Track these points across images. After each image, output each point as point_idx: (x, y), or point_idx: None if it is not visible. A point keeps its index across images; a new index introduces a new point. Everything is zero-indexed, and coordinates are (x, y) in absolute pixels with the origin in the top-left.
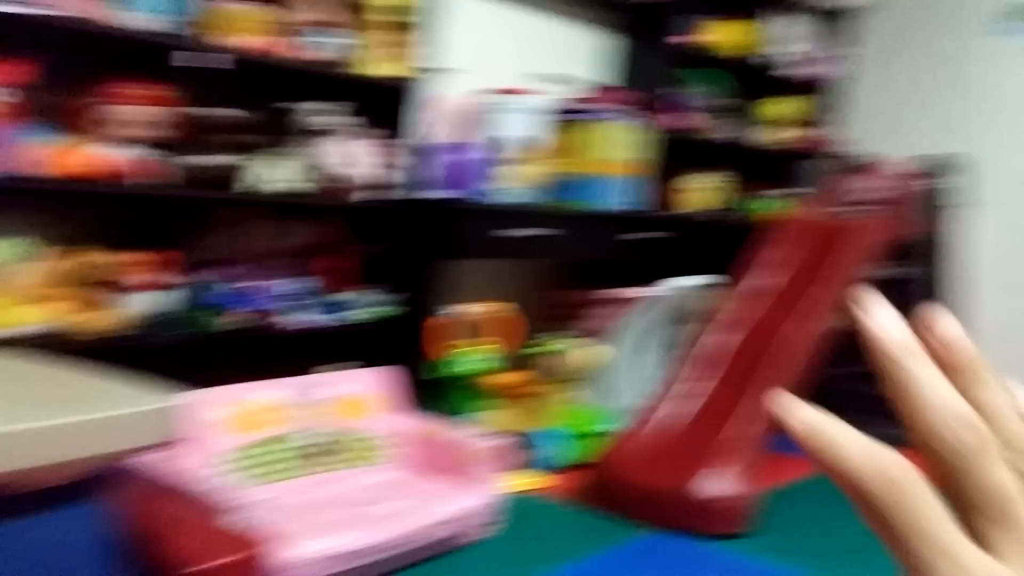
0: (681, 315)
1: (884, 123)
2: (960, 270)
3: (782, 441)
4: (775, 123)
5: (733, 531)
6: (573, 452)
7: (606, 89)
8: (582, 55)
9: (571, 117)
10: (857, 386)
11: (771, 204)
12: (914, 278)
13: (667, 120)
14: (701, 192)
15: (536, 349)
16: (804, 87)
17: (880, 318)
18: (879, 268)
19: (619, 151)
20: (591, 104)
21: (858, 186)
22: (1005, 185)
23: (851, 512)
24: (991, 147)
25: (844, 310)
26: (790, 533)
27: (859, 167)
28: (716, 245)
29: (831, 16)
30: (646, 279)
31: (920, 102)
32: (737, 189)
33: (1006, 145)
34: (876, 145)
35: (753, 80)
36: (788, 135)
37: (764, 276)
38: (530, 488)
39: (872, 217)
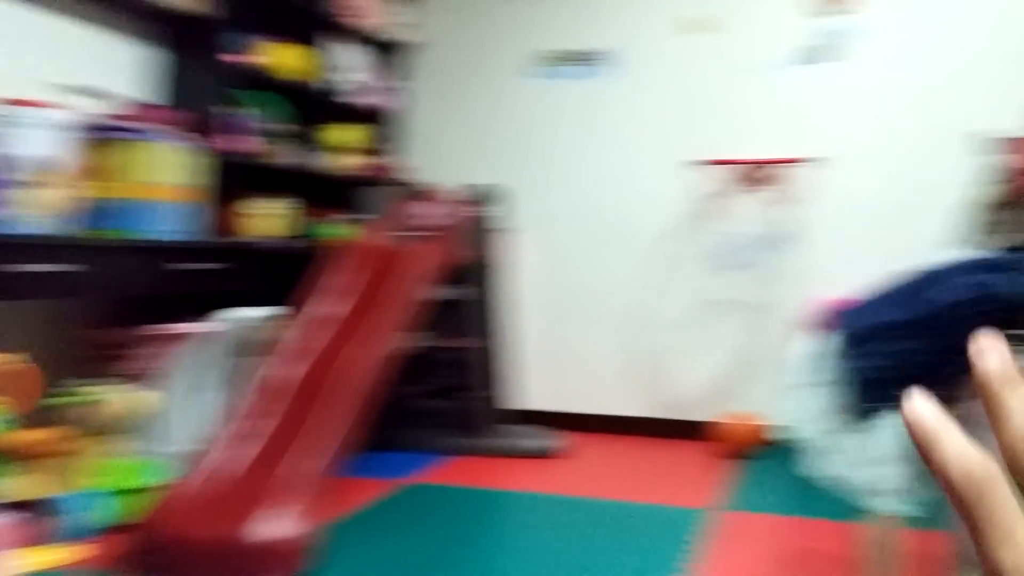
0: (241, 349)
1: (438, 153)
2: (507, 289)
3: (352, 465)
4: (338, 149)
5: (293, 573)
6: (113, 513)
7: (149, 107)
8: (120, 68)
9: (106, 136)
10: (426, 402)
11: (337, 230)
12: (468, 299)
13: (222, 143)
14: (265, 218)
15: (65, 400)
16: (365, 115)
17: (983, 355)
18: (435, 290)
19: (166, 174)
20: (131, 122)
21: (416, 212)
22: (539, 212)
23: (425, 529)
24: (527, 178)
25: (406, 332)
26: (360, 562)
27: (417, 194)
28: (282, 272)
29: (387, 48)
30: (201, 312)
31: (468, 135)
32: (302, 215)
33: (538, 176)
34: (432, 173)
35: (314, 105)
36: (351, 161)
37: (327, 303)
38: (57, 563)
39: (428, 241)
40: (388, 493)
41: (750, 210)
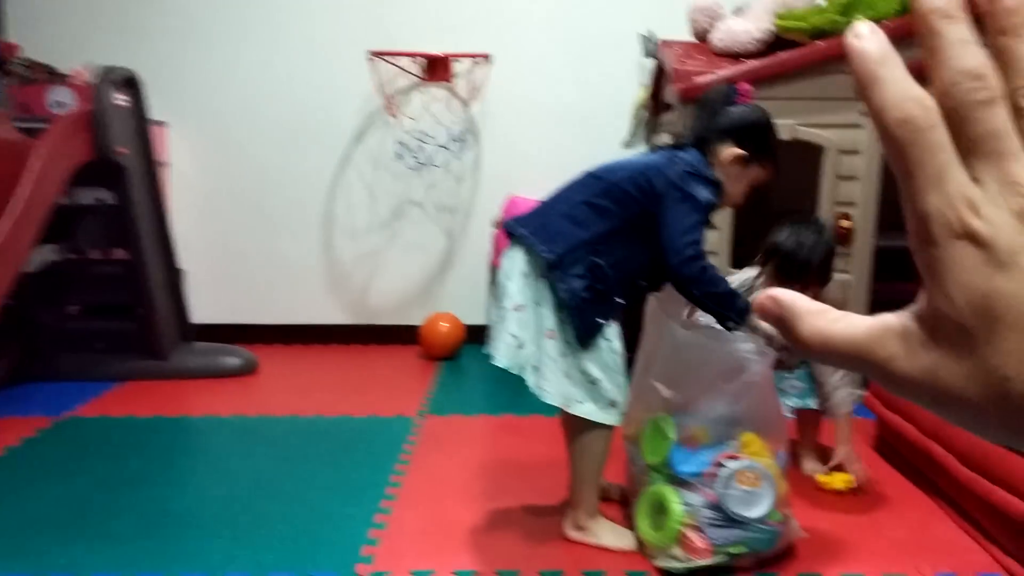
0: None
1: (60, 28)
2: (161, 185)
3: None
4: None
5: None
6: None
7: None
8: None
9: None
10: (85, 324)
11: None
12: (117, 204)
13: None
14: None
15: None
16: None
17: None
18: (72, 192)
19: None
20: None
21: (41, 100)
22: (200, 104)
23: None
24: (176, 64)
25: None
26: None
27: (40, 78)
28: None
29: None
30: None
31: (101, 12)
32: None
33: (189, 63)
34: (53, 54)
35: None
36: None
37: None
38: None
39: (58, 134)
40: (38, 432)
41: (434, 107)
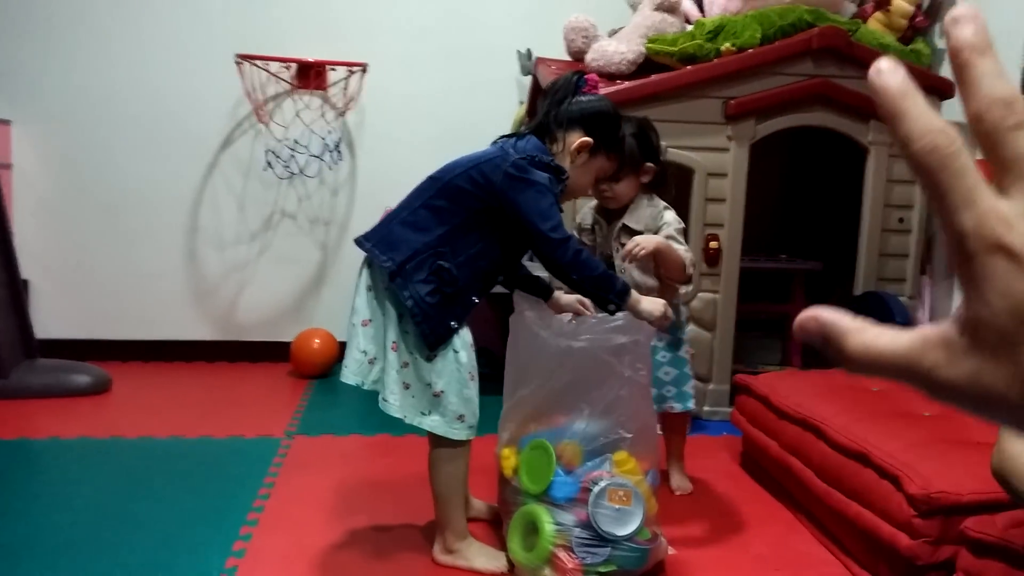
0: None
1: None
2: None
3: None
4: None
5: None
6: None
7: None
8: None
9: None
10: None
11: None
12: None
13: None
14: None
15: None
16: None
17: (958, 24)
18: None
19: None
20: None
21: None
22: (40, 99)
23: None
24: (22, 59)
25: None
26: None
27: None
28: None
29: None
30: None
31: None
32: None
33: (38, 58)
34: None
35: None
36: None
37: None
38: None
39: None
40: None
41: (307, 115)
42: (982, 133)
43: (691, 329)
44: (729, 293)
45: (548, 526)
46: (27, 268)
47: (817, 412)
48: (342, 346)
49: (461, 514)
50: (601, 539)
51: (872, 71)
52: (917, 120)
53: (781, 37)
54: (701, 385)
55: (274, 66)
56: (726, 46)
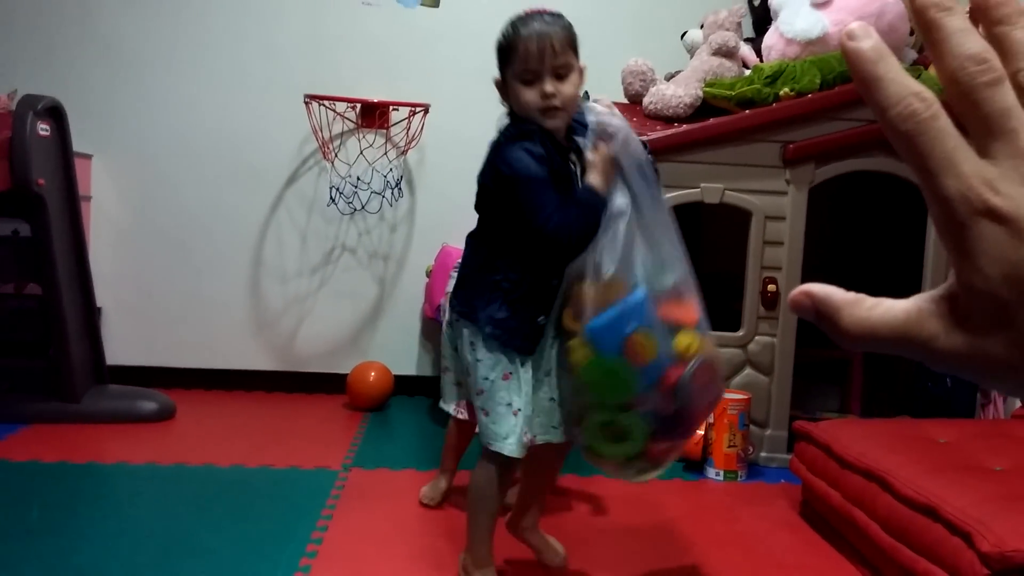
0: None
1: None
2: (81, 219)
3: None
4: None
5: None
6: None
7: None
8: None
9: None
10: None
11: None
12: (29, 236)
13: None
14: None
15: None
16: None
17: None
18: None
19: None
20: None
21: None
22: (119, 134)
23: None
24: (104, 95)
25: None
26: None
27: None
28: None
29: None
30: None
31: (27, 39)
32: None
33: (118, 94)
34: None
35: None
36: None
37: None
38: None
39: None
40: None
41: (370, 153)
42: (958, 94)
43: (748, 373)
44: (787, 337)
45: (639, 419)
46: (101, 296)
47: (882, 463)
48: (397, 380)
49: (486, 541)
50: (681, 419)
51: (843, 35)
52: (892, 85)
53: (840, 82)
54: (758, 431)
55: (340, 106)
56: (785, 91)
